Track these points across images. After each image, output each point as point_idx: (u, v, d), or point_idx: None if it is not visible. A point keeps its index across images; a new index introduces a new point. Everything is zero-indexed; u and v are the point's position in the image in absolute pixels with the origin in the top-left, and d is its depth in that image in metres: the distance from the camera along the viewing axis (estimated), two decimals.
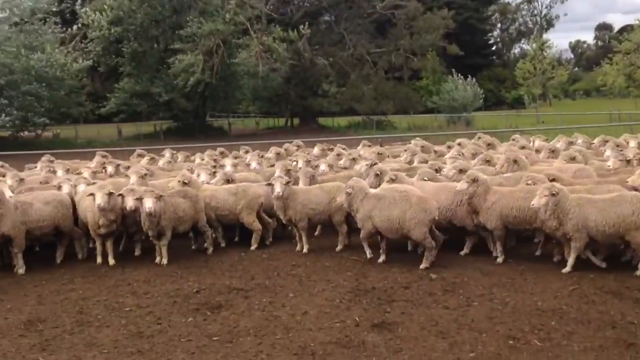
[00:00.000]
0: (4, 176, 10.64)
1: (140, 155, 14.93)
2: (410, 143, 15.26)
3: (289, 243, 9.98)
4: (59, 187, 9.64)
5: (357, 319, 6.49)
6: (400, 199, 8.35)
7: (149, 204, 8.45)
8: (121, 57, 42.14)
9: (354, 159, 12.29)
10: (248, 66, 41.22)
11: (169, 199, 8.96)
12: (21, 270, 8.60)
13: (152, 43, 42.84)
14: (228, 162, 12.06)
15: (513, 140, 15.07)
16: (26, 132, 40.10)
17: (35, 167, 13.22)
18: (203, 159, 13.53)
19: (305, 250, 9.41)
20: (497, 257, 8.50)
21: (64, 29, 41.60)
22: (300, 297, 7.28)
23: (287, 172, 10.75)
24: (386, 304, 6.95)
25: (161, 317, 6.72)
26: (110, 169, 11.82)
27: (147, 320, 6.62)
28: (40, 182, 10.67)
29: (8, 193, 9.02)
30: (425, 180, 9.46)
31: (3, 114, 31.77)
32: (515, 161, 10.11)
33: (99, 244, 9.04)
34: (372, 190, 8.82)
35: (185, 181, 9.64)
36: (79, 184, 9.85)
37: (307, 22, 41.57)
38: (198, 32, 37.94)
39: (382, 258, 8.68)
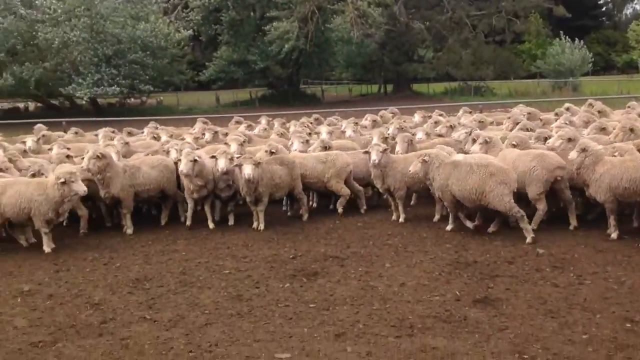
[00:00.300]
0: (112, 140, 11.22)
1: (238, 122, 15.20)
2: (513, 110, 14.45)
3: (384, 212, 9.79)
4: (167, 152, 9.97)
5: (457, 293, 6.23)
6: (477, 169, 7.96)
7: (247, 170, 8.53)
8: (220, 26, 43.14)
9: (451, 126, 11.78)
10: (342, 32, 40.88)
11: (267, 165, 9.01)
12: (129, 230, 9.05)
13: (249, 11, 43.49)
14: (324, 130, 11.96)
15: (628, 107, 13.86)
16: (132, 99, 42.32)
17: (142, 133, 13.84)
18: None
19: (401, 219, 9.19)
20: (610, 233, 7.86)
21: None
22: (397, 268, 7.11)
23: (384, 139, 10.51)
24: (489, 278, 6.63)
25: (259, 281, 6.81)
26: (207, 135, 12.07)
27: (246, 284, 6.72)
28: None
29: (116, 157, 9.46)
30: (514, 146, 8.93)
31: (113, 84, 33.49)
32: (631, 130, 9.26)
33: (190, 207, 9.27)
34: (449, 158, 8.51)
35: (273, 150, 9.66)
36: (184, 149, 10.13)
37: None
38: None
39: (449, 226, 8.54)
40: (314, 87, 53.96)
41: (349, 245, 8.13)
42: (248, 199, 9.07)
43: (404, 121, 13.21)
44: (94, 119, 25.17)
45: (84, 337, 5.42)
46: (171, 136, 12.47)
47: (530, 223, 7.94)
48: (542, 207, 8.25)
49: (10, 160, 9.54)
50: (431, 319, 5.62)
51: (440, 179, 8.26)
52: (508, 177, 7.83)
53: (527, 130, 10.82)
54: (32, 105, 41.66)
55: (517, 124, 11.50)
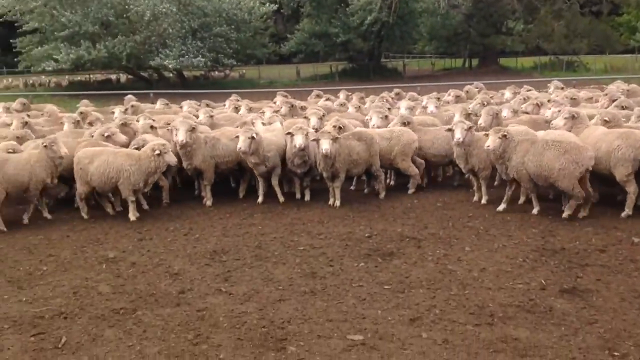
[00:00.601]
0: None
1: (318, 96, 15.13)
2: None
3: (465, 192, 9.43)
4: (252, 124, 10.04)
5: (543, 282, 5.87)
6: (552, 145, 7.68)
7: (325, 145, 8.42)
8: None
9: (537, 104, 11.09)
10: (427, 3, 39.73)
11: (344, 141, 8.85)
12: (209, 202, 9.23)
13: None
14: (404, 105, 11.62)
15: None
16: (216, 72, 43.28)
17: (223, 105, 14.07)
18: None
19: (484, 201, 8.81)
20: None
21: None
22: (477, 252, 6.80)
23: (467, 116, 10.07)
24: (578, 267, 6.21)
25: (333, 259, 6.72)
26: (284, 109, 12.03)
27: (320, 261, 6.66)
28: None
29: (201, 128, 9.63)
30: (606, 122, 8.37)
31: (198, 56, 34.27)
32: None
33: (261, 184, 9.32)
34: (526, 135, 8.22)
35: (340, 126, 9.47)
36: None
37: None
38: None
39: (535, 209, 8.17)
40: (396, 61, 52.96)
41: (427, 226, 7.88)
42: (325, 175, 8.99)
43: (491, 97, 12.62)
44: (179, 91, 25.97)
45: (163, 306, 5.56)
46: (250, 109, 12.56)
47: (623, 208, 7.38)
48: (632, 189, 7.67)
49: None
50: (513, 308, 5.33)
51: (517, 157, 7.89)
52: (581, 155, 7.49)
53: (623, 108, 10.04)
54: (123, 77, 43.50)
55: (614, 101, 10.70)
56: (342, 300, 5.62)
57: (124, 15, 35.32)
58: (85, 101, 15.46)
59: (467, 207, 8.69)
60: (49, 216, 8.65)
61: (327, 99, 14.19)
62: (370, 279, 6.13)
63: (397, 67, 48.88)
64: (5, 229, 8.11)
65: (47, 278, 6.31)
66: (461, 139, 8.41)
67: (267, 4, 39.43)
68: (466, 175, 9.30)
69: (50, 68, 34.44)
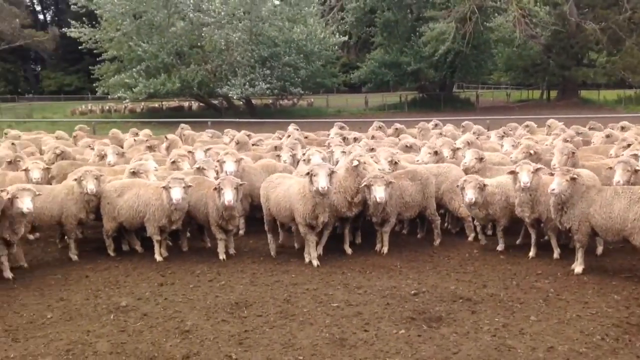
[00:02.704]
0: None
1: (380, 128, 13.87)
2: None
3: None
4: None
5: None
6: (623, 193, 6.54)
7: (380, 193, 7.35)
8: (373, 27, 42.59)
9: (624, 146, 9.69)
10: (503, 33, 38.25)
11: (396, 181, 7.88)
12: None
13: (405, 12, 42.45)
14: (464, 139, 10.53)
15: None
16: (285, 101, 43.37)
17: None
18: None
19: (556, 255, 7.56)
20: None
21: (323, 1, 43.55)
22: (545, 323, 5.62)
23: (535, 155, 8.86)
24: None
25: (369, 321, 5.74)
26: (337, 139, 11.26)
27: (353, 324, 5.70)
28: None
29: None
30: None
31: (264, 85, 34.30)
32: None
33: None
34: (592, 181, 7.18)
35: (396, 161, 8.55)
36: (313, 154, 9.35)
37: None
38: None
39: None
40: (469, 91, 51.36)
41: (486, 284, 6.75)
42: (374, 220, 8.02)
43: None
44: (236, 119, 25.42)
45: None
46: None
47: None
48: None
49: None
50: None
51: (582, 206, 6.71)
52: None
53: None
54: (195, 105, 44.35)
55: None
56: None
57: (198, 45, 36.00)
58: (133, 129, 15.37)
59: (535, 263, 7.48)
60: (74, 257, 8.06)
61: (397, 129, 13.41)
62: (410, 352, 5.11)
63: (470, 97, 47.26)
64: (25, 265, 7.67)
65: (47, 329, 5.69)
66: (528, 183, 7.26)
67: (338, 35, 39.16)
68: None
69: (127, 99, 35.48)
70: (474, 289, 6.58)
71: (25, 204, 6.88)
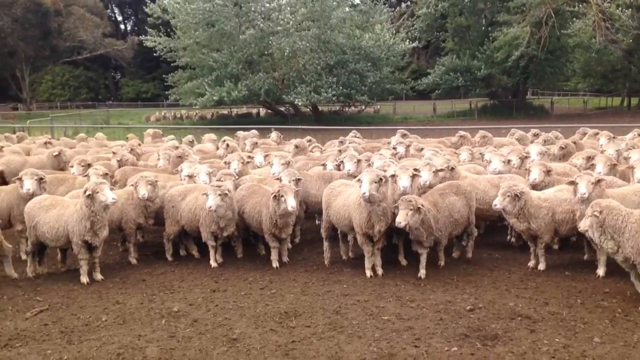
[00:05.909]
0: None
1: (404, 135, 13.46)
2: None
3: None
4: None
5: None
6: None
7: (400, 219, 6.79)
8: (443, 33, 41.82)
9: None
10: (582, 38, 36.58)
11: (441, 199, 7.47)
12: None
13: (477, 16, 41.45)
14: (536, 150, 10.03)
15: None
16: (353, 107, 43.30)
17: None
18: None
19: (601, 273, 7.10)
20: None
21: (393, 8, 43.24)
22: (609, 346, 5.24)
23: (612, 167, 8.35)
24: None
25: (420, 337, 5.54)
26: (400, 149, 11.00)
27: (404, 339, 5.51)
28: None
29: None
30: None
31: (329, 92, 34.38)
32: None
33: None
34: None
35: (452, 166, 8.36)
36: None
37: None
38: (528, 1, 34.79)
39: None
40: (544, 98, 49.45)
41: (547, 301, 6.39)
42: (425, 245, 7.39)
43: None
44: (301, 126, 25.21)
45: None
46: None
47: None
48: None
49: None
50: None
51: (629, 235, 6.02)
52: None
53: None
54: (263, 111, 45.09)
55: None
56: None
57: (266, 52, 36.61)
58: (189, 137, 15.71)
59: (602, 280, 7.02)
60: (133, 261, 8.27)
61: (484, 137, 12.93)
62: None
63: (545, 104, 45.50)
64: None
65: (101, 332, 5.84)
66: (586, 195, 6.80)
67: (407, 42, 38.69)
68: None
69: (197, 106, 36.68)
70: (534, 307, 6.24)
71: (108, 195, 6.97)
